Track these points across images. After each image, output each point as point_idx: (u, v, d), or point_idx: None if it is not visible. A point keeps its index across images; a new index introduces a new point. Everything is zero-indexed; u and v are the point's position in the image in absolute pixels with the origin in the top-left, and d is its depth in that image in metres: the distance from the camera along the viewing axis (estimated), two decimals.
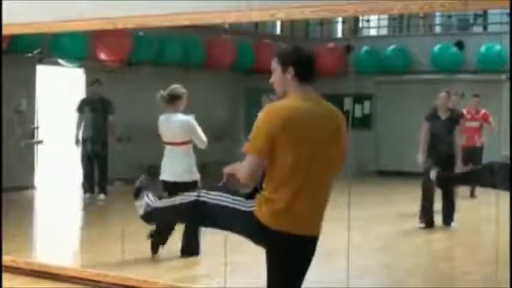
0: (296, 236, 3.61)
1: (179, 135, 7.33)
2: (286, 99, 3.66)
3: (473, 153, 10.72)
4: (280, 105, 3.61)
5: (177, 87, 7.42)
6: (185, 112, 7.42)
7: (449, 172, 9.44)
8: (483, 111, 10.89)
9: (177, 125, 7.32)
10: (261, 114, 3.62)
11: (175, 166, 7.32)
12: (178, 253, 7.50)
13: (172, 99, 7.34)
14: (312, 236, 3.68)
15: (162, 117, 7.43)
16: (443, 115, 9.43)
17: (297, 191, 3.57)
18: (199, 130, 7.34)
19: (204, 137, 7.35)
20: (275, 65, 3.75)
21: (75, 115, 11.60)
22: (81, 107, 11.53)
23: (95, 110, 11.39)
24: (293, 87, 3.67)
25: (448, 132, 9.38)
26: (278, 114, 3.56)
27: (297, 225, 3.61)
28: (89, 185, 11.62)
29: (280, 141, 3.53)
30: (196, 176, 7.37)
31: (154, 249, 7.37)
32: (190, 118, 7.35)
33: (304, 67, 3.68)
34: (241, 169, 3.68)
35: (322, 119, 3.64)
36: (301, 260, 3.69)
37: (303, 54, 3.72)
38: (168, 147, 7.39)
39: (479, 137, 10.83)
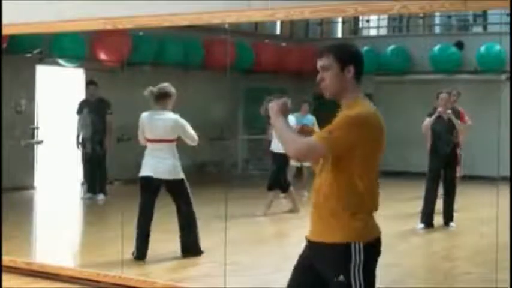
0: (379, 236, 3.59)
1: (168, 133, 7.33)
2: (364, 103, 3.50)
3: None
4: (369, 112, 3.47)
5: (167, 86, 7.43)
6: (173, 111, 7.42)
7: (452, 171, 9.50)
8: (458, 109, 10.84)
9: (167, 122, 7.32)
10: (351, 115, 3.44)
11: (164, 163, 7.30)
12: (178, 253, 7.49)
13: (161, 97, 7.35)
14: None
15: (146, 114, 7.42)
16: (444, 115, 9.44)
17: (372, 196, 3.54)
18: (189, 128, 7.33)
19: (194, 135, 7.34)
20: (329, 62, 3.50)
21: (75, 116, 11.62)
22: (81, 109, 11.57)
23: (93, 111, 11.41)
24: (352, 87, 3.52)
25: (450, 132, 9.42)
26: (369, 123, 3.44)
27: (376, 226, 3.59)
28: (89, 185, 11.63)
29: (363, 150, 3.44)
30: (182, 175, 7.39)
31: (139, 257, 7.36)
32: (178, 117, 7.35)
33: (361, 67, 3.54)
34: (297, 142, 3.46)
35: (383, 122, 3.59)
36: None
37: (360, 53, 3.59)
38: (152, 145, 7.37)
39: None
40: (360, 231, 3.49)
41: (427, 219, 9.46)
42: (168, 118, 7.33)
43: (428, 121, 9.46)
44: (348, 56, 3.53)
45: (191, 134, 7.33)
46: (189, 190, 7.42)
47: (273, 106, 3.58)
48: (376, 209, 3.57)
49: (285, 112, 3.58)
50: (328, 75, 3.52)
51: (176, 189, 7.38)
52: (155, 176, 7.29)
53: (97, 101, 11.47)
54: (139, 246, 7.31)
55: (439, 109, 9.38)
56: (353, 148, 3.43)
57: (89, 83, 11.70)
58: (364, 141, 3.43)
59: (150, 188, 7.33)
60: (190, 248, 7.45)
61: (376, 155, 3.53)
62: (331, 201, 3.51)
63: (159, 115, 7.35)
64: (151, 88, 7.39)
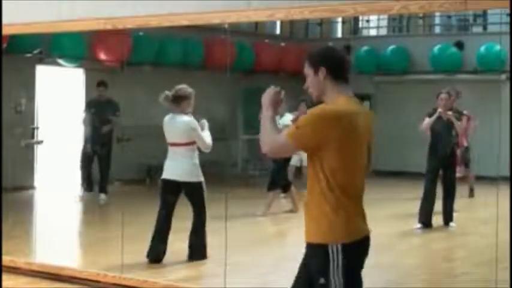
0: (364, 238, 3.58)
1: (182, 137, 7.28)
2: (338, 101, 3.52)
3: (460, 154, 10.78)
4: (338, 109, 3.48)
5: (183, 88, 7.33)
6: (194, 115, 7.34)
7: (451, 172, 9.50)
8: (464, 112, 10.88)
9: (180, 126, 7.27)
10: (317, 112, 3.47)
11: (178, 166, 7.28)
12: (178, 254, 7.48)
13: (177, 100, 7.27)
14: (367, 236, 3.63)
15: (166, 118, 7.38)
16: (444, 115, 9.42)
17: (350, 196, 3.52)
18: (202, 133, 7.24)
19: (207, 140, 7.24)
20: (307, 69, 3.61)
21: (75, 116, 11.63)
22: (88, 108, 11.59)
23: (101, 111, 11.41)
24: (329, 87, 3.56)
25: (449, 133, 9.39)
26: (336, 117, 3.44)
27: (359, 228, 3.57)
28: (87, 184, 11.62)
29: (332, 147, 3.43)
30: (200, 178, 7.33)
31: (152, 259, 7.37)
32: (193, 120, 7.26)
33: (335, 66, 3.57)
34: (270, 138, 3.55)
35: (366, 121, 3.58)
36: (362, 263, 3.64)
37: (333, 53, 3.62)
38: (171, 148, 7.37)
39: (466, 137, 10.83)
40: (338, 232, 3.47)
41: (425, 219, 9.44)
42: (181, 121, 7.26)
43: (428, 121, 9.45)
44: (318, 58, 3.59)
45: (202, 140, 7.22)
46: (205, 195, 7.36)
47: (265, 96, 3.67)
48: (357, 209, 3.55)
49: (277, 102, 3.66)
50: (309, 81, 3.63)
51: (192, 192, 7.34)
52: (172, 178, 7.29)
53: (106, 102, 11.46)
54: (153, 247, 7.31)
55: (440, 110, 9.38)
56: (321, 144, 3.43)
57: (100, 83, 11.66)
58: (330, 137, 3.42)
59: (169, 190, 7.33)
60: (196, 252, 7.42)
61: (350, 153, 3.49)
62: (311, 200, 3.54)
63: (175, 118, 7.30)
64: (166, 92, 7.28)
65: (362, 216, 3.62)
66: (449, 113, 9.36)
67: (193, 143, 7.29)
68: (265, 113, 3.62)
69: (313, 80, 3.59)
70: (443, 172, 9.51)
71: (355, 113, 3.52)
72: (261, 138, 3.59)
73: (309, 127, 3.45)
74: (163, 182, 7.37)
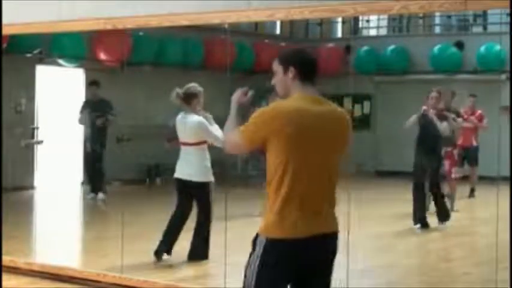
0: (310, 237, 3.55)
1: (192, 136, 7.28)
2: (290, 99, 3.58)
3: (469, 153, 10.77)
4: (285, 106, 3.53)
5: (193, 86, 7.35)
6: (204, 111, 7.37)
7: (436, 171, 9.41)
8: (479, 111, 10.87)
9: (190, 125, 7.27)
10: (263, 109, 3.55)
11: (188, 166, 7.29)
12: (179, 253, 7.48)
13: (188, 98, 7.29)
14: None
15: (178, 117, 7.38)
16: (429, 114, 9.33)
17: (294, 195, 3.49)
18: (212, 129, 7.22)
19: (218, 135, 7.14)
20: (276, 67, 3.69)
21: (75, 116, 11.63)
22: (83, 108, 11.60)
23: (95, 111, 11.42)
24: (295, 87, 3.61)
25: (434, 132, 9.30)
26: (281, 114, 3.48)
27: (302, 228, 3.52)
28: (92, 185, 11.64)
29: (277, 143, 3.46)
30: (209, 178, 7.32)
31: (159, 256, 7.34)
32: (201, 119, 7.26)
33: (305, 67, 3.63)
34: (227, 136, 3.73)
35: (325, 121, 3.55)
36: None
37: (304, 55, 3.68)
38: (182, 147, 7.38)
39: (476, 137, 10.84)
40: (268, 227, 3.53)
41: (421, 219, 9.33)
42: (191, 121, 7.27)
43: (411, 119, 9.41)
44: (288, 58, 3.67)
45: (214, 136, 7.18)
46: (210, 197, 7.34)
47: (234, 95, 3.85)
48: (311, 208, 3.51)
49: (243, 101, 3.82)
50: (276, 79, 3.70)
51: (198, 192, 7.33)
52: (181, 177, 7.32)
53: (99, 102, 11.46)
54: (160, 243, 7.32)
55: (424, 107, 9.34)
56: (266, 140, 3.50)
57: (92, 83, 11.68)
58: (275, 132, 3.47)
59: (181, 189, 7.36)
60: (198, 252, 7.39)
61: (301, 152, 3.48)
62: (267, 195, 3.59)
63: (186, 118, 7.30)
64: (177, 90, 7.30)
65: (321, 216, 3.55)
66: (432, 111, 9.27)
67: (203, 142, 7.29)
68: (231, 110, 3.78)
69: (282, 79, 3.66)
70: (428, 171, 9.41)
71: (310, 112, 3.52)
72: (224, 143, 3.82)
73: (253, 124, 3.55)
74: (176, 181, 7.40)
